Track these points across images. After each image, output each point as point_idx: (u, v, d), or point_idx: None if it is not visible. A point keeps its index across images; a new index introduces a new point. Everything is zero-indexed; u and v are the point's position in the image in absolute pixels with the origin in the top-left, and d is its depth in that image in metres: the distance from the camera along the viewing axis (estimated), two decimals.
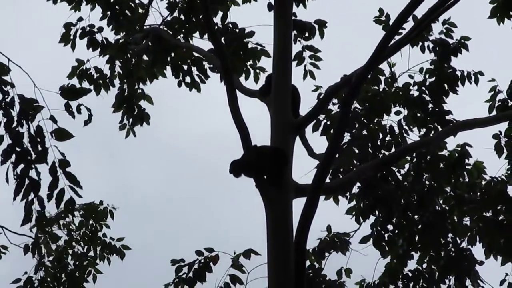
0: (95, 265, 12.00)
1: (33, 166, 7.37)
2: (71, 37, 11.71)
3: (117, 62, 11.86)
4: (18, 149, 7.40)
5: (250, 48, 11.50)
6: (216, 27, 11.17)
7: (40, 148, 7.38)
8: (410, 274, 11.11)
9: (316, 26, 11.05)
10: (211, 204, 21.20)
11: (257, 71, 11.65)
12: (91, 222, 12.12)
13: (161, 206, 21.33)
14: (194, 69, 11.81)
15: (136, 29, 11.56)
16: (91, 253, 12.11)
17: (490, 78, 10.99)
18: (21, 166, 7.40)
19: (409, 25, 8.89)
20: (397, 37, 8.27)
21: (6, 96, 7.47)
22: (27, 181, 7.40)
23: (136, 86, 11.97)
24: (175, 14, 11.73)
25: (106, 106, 11.92)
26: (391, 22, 10.13)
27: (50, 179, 7.47)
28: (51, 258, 11.80)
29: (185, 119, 22.69)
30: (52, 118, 7.41)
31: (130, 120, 12.04)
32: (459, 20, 11.16)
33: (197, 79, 11.84)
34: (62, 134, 7.41)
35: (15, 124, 7.41)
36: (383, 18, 11.08)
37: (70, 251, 12.01)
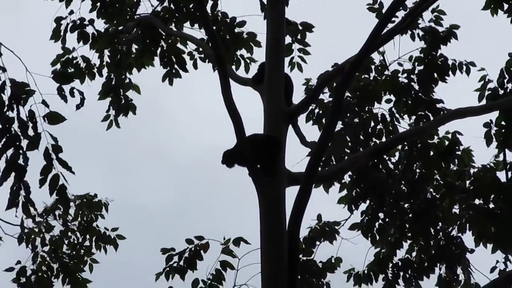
0: (91, 255, 11.97)
1: (21, 151, 7.29)
2: (62, 33, 11.61)
3: (106, 52, 11.77)
4: (7, 134, 7.31)
5: (241, 37, 11.51)
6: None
7: (32, 133, 7.29)
8: (399, 263, 11.17)
9: (301, 28, 11.17)
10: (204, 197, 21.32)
11: (248, 61, 11.66)
12: (86, 212, 12.06)
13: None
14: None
15: (127, 19, 11.50)
16: (87, 243, 12.05)
17: (480, 68, 11.04)
18: (11, 151, 7.30)
19: (402, 13, 8.95)
20: (390, 25, 8.29)
21: None
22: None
23: (124, 76, 11.90)
24: (165, 3, 11.67)
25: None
26: (384, 10, 10.21)
27: (42, 165, 7.38)
28: (46, 249, 11.77)
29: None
30: (44, 103, 7.32)
31: (115, 110, 11.94)
32: (452, 9, 11.22)
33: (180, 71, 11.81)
34: (54, 118, 7.31)
35: (6, 108, 7.32)
36: (376, 6, 11.10)
37: (66, 241, 11.94)
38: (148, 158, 22.60)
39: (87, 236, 12.12)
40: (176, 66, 11.75)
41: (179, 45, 11.66)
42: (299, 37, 11.31)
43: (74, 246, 11.96)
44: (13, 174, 7.27)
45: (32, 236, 11.74)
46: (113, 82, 11.94)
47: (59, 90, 7.68)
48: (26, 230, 11.61)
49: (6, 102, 7.34)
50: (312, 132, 10.82)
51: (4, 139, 7.30)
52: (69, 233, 11.99)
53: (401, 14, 9.67)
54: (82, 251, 11.96)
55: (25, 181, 7.29)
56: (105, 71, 11.89)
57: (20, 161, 7.27)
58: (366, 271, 11.25)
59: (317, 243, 11.36)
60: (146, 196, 21.40)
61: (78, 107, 8.16)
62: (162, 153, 22.65)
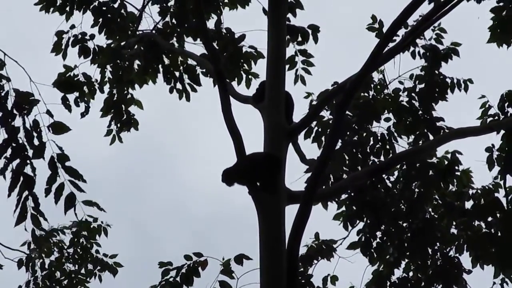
0: (85, 283, 11.95)
1: (28, 161, 7.34)
2: (63, 46, 11.64)
3: (108, 67, 11.81)
4: (13, 144, 7.37)
5: (244, 52, 11.57)
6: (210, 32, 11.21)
7: (37, 143, 7.35)
8: (397, 282, 11.17)
9: (310, 31, 11.13)
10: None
11: (250, 76, 11.72)
12: (81, 240, 12.03)
13: None
14: (185, 77, 11.83)
15: (128, 35, 11.55)
16: (83, 271, 12.06)
17: (481, 95, 11.06)
18: (17, 161, 7.37)
19: (402, 31, 8.97)
20: (390, 44, 8.31)
21: (1, 90, 7.49)
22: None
23: (126, 91, 11.95)
24: (167, 19, 11.71)
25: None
26: (384, 29, 10.25)
27: (47, 175, 7.43)
28: (43, 274, 11.78)
29: None
30: (48, 112, 7.41)
31: (117, 125, 11.98)
32: (453, 27, 11.27)
33: (188, 87, 11.86)
34: (59, 128, 7.40)
35: (10, 118, 7.39)
36: (376, 25, 11.14)
37: (61, 268, 11.96)
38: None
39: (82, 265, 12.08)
40: (188, 81, 11.83)
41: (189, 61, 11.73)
42: (308, 41, 11.29)
43: (68, 275, 11.92)
44: (19, 185, 7.28)
45: (32, 262, 11.73)
46: (115, 98, 11.97)
47: (64, 99, 7.71)
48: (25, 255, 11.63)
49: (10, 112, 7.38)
50: (311, 150, 10.86)
51: (10, 149, 7.34)
52: (63, 260, 11.96)
53: (402, 32, 9.70)
54: (76, 280, 11.92)
55: (34, 192, 7.34)
56: (106, 87, 11.92)
57: (28, 171, 7.28)
58: None
59: (314, 261, 11.34)
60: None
61: (82, 115, 8.16)
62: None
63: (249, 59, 11.60)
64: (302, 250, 11.35)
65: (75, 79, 11.67)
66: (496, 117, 10.87)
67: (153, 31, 11.59)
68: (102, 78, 11.82)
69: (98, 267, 12.08)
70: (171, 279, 9.92)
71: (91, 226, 12.16)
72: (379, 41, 7.67)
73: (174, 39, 11.62)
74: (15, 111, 7.36)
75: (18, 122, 7.42)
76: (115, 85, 11.85)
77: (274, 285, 7.90)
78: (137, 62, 11.68)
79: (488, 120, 10.91)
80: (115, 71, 11.76)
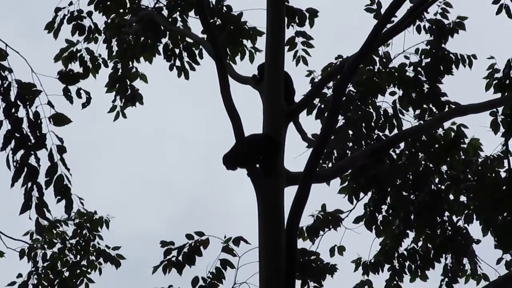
0: (87, 274, 12.11)
1: (32, 152, 7.47)
2: (56, 24, 11.71)
3: (114, 42, 11.88)
4: (17, 135, 7.48)
5: (244, 28, 11.61)
6: (210, 10, 11.29)
7: (38, 134, 7.48)
8: (405, 253, 11.31)
9: (307, 15, 11.19)
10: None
11: (253, 50, 11.77)
12: (84, 232, 12.19)
13: None
14: (185, 55, 11.91)
15: (125, 12, 11.62)
16: (84, 262, 12.15)
17: (489, 56, 11.10)
18: (21, 152, 7.48)
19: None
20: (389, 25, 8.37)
21: (4, 81, 7.57)
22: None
23: (130, 65, 12.02)
24: None
25: None
26: (383, 10, 10.25)
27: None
28: (45, 264, 11.95)
29: None
30: (50, 104, 7.52)
31: (122, 100, 12.07)
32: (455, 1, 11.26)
33: (187, 66, 11.93)
34: (60, 119, 7.51)
35: (13, 109, 7.50)
36: (374, 6, 11.14)
37: (63, 259, 12.11)
38: None
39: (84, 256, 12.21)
40: (187, 59, 11.89)
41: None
42: (305, 25, 11.32)
43: (70, 266, 12.09)
44: (23, 175, 7.44)
45: (34, 252, 11.91)
46: (119, 73, 12.06)
47: (65, 91, 7.83)
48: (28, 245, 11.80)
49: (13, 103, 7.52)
50: (314, 126, 10.94)
51: (13, 140, 7.48)
52: (66, 251, 12.12)
53: (401, 12, 9.71)
54: (78, 271, 12.08)
55: (38, 182, 7.49)
56: (111, 63, 12.02)
57: (32, 162, 7.45)
58: (373, 261, 11.36)
59: (321, 233, 11.46)
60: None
61: (84, 105, 8.28)
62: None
63: (249, 36, 11.65)
64: (309, 221, 11.48)
65: (78, 54, 11.84)
66: (502, 81, 10.95)
67: (153, 10, 11.63)
68: (109, 52, 11.94)
69: (101, 258, 12.18)
70: (173, 259, 10.02)
71: (93, 218, 12.29)
72: (377, 22, 7.77)
73: (177, 13, 11.68)
74: (18, 102, 7.48)
75: (21, 113, 7.55)
76: (120, 60, 11.93)
77: (273, 264, 8.12)
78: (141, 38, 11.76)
79: (494, 82, 11.00)
80: (119, 45, 11.84)
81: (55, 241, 12.07)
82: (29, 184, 7.47)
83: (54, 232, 12.03)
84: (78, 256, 12.10)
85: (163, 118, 22.49)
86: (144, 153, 21.75)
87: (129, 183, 21.72)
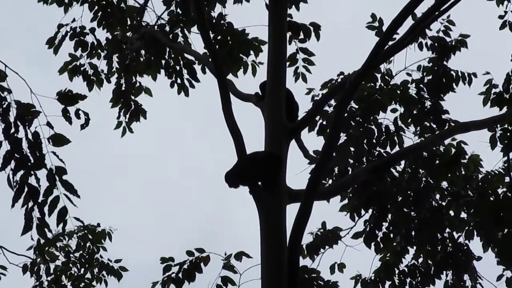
0: (91, 287, 12.10)
1: (32, 172, 7.48)
2: (57, 40, 11.77)
3: (115, 58, 11.96)
4: (17, 155, 7.50)
5: (246, 41, 11.63)
6: (212, 25, 11.32)
7: (37, 154, 7.48)
8: (406, 270, 11.29)
9: (311, 28, 11.17)
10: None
11: (255, 64, 11.77)
12: (88, 244, 12.20)
13: None
14: (185, 72, 11.95)
15: (127, 28, 11.65)
16: (88, 275, 12.18)
17: (485, 72, 11.16)
18: (21, 172, 7.50)
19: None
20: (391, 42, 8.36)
21: (3, 102, 7.60)
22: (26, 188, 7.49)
23: (134, 80, 12.08)
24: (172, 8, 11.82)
25: None
26: (384, 27, 10.27)
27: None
28: (49, 278, 11.95)
29: None
30: (49, 124, 7.54)
31: (127, 116, 12.13)
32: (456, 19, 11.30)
33: (186, 83, 11.97)
34: (59, 140, 7.54)
35: (13, 130, 7.51)
36: (376, 24, 11.19)
37: (68, 273, 12.11)
38: None
39: (88, 269, 12.21)
40: (187, 76, 11.95)
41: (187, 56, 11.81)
42: (309, 39, 11.32)
43: (75, 280, 12.08)
44: (23, 196, 7.45)
45: (37, 267, 11.90)
46: (123, 88, 12.11)
47: (64, 111, 7.83)
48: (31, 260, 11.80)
49: (13, 124, 7.52)
50: (316, 143, 10.95)
51: (13, 161, 7.49)
52: (70, 265, 12.12)
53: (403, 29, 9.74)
54: (83, 284, 12.07)
55: (39, 202, 7.49)
56: (114, 78, 12.10)
57: (33, 182, 7.45)
58: (373, 278, 11.34)
59: (321, 250, 11.45)
60: None
61: (82, 127, 8.29)
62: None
63: (253, 48, 11.65)
64: (308, 239, 11.48)
65: (81, 69, 11.87)
66: (500, 96, 11.06)
67: (155, 27, 11.68)
68: (109, 68, 11.98)
69: (103, 272, 12.17)
70: (173, 275, 9.94)
71: (96, 231, 12.30)
72: (378, 40, 7.76)
73: (179, 30, 11.71)
74: (18, 123, 7.49)
75: (20, 133, 7.56)
76: (123, 75, 11.97)
77: (275, 282, 8.07)
78: (142, 52, 11.80)
79: (492, 97, 11.11)
80: (122, 61, 11.87)
81: (58, 254, 12.08)
82: (30, 204, 7.48)
83: (58, 245, 12.06)
84: (82, 269, 12.11)
85: (165, 136, 22.48)
86: (148, 175, 21.76)
87: (134, 207, 21.70)
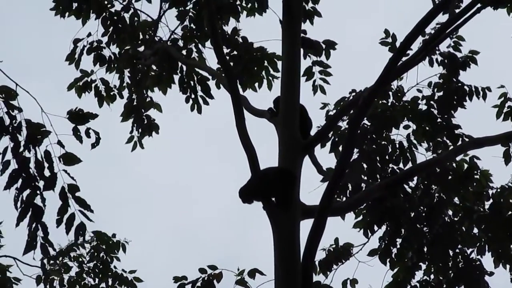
0: None
1: (38, 192, 7.48)
2: (76, 55, 11.84)
3: (126, 73, 11.98)
4: (24, 175, 7.50)
5: (260, 54, 11.64)
6: (225, 40, 11.34)
7: (49, 173, 7.49)
8: (418, 286, 11.26)
9: (324, 46, 11.20)
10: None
11: (270, 78, 11.76)
12: (102, 254, 12.21)
13: None
14: (198, 88, 11.95)
15: (140, 44, 11.68)
16: (103, 285, 12.18)
17: (500, 85, 11.15)
18: (27, 192, 7.51)
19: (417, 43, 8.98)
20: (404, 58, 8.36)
21: (14, 121, 7.58)
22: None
23: (145, 95, 12.08)
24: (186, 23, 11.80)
25: None
26: (398, 43, 10.28)
27: (59, 204, 7.57)
28: None
29: None
30: (60, 143, 7.56)
31: (139, 131, 12.14)
32: (468, 34, 11.30)
33: (200, 100, 11.97)
34: (70, 159, 7.56)
35: (22, 149, 7.51)
36: (389, 39, 11.18)
37: (82, 283, 12.12)
38: None
39: (102, 279, 12.21)
40: (200, 93, 11.93)
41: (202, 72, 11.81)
42: (322, 56, 11.32)
43: None
44: (29, 215, 7.45)
45: (51, 277, 11.90)
46: (135, 103, 12.11)
47: (75, 130, 7.84)
48: (47, 269, 11.78)
49: (22, 143, 7.52)
50: (329, 159, 10.94)
51: (20, 180, 7.48)
52: (84, 275, 12.12)
53: (416, 45, 9.74)
54: None
55: (43, 222, 7.50)
56: (125, 92, 12.12)
57: (38, 201, 7.45)
58: None
59: (334, 266, 11.42)
60: None
61: (93, 146, 8.30)
62: None
63: (269, 61, 11.66)
64: (321, 255, 11.45)
65: (92, 85, 11.90)
66: None
67: (169, 42, 11.69)
68: (120, 83, 12.00)
69: (117, 282, 12.17)
70: None
71: (110, 242, 12.30)
72: (391, 56, 7.77)
73: (193, 45, 11.72)
74: (27, 142, 7.49)
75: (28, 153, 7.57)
76: (134, 90, 11.98)
77: None
78: (154, 67, 11.81)
79: (505, 110, 11.13)
80: (133, 76, 11.89)
81: (72, 265, 12.11)
82: (34, 224, 7.49)
83: (72, 255, 12.08)
84: (97, 280, 12.11)
85: (188, 160, 22.55)
86: (170, 201, 21.78)
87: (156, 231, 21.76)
